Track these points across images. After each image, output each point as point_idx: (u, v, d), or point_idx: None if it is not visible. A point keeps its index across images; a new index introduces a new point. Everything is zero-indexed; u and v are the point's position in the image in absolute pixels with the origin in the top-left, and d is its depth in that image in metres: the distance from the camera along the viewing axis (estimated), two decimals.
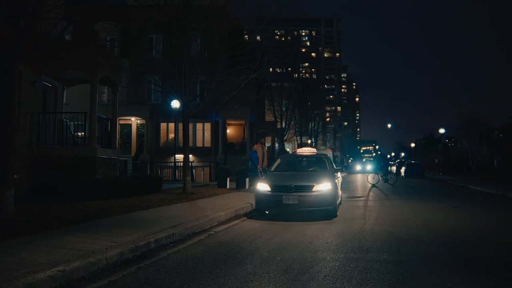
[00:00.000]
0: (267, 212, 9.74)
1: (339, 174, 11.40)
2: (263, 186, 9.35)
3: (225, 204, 10.79)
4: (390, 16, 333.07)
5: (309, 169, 10.78)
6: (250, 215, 9.99)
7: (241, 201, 11.44)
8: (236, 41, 13.92)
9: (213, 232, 7.55)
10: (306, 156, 11.48)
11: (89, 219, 7.72)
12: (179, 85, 13.47)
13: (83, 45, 14.47)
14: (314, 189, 8.96)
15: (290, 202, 8.84)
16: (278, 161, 11.33)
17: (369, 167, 73.23)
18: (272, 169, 10.73)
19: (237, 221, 8.99)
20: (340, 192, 11.10)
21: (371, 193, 17.26)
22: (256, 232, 7.54)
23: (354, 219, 9.23)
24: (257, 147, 17.85)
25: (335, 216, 9.34)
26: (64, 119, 14.96)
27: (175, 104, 23.29)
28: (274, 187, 9.17)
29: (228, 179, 17.56)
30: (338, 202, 9.92)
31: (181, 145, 29.64)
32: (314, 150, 12.05)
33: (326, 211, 9.09)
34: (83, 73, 14.06)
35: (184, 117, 13.84)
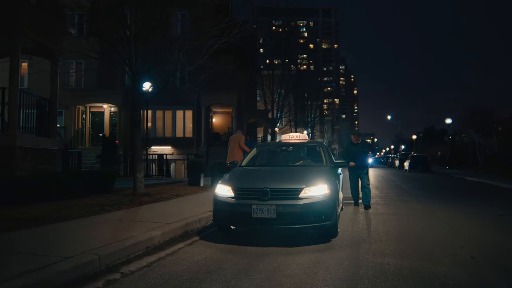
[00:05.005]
0: (233, 228, 6.48)
1: (340, 170, 8.11)
2: (223, 190, 6.05)
3: (177, 213, 7.52)
4: (390, 10, 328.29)
5: (297, 164, 7.46)
6: (207, 231, 6.71)
7: (204, 208, 8.15)
8: None
9: (119, 276, 4.26)
10: (294, 145, 8.17)
11: None
12: (127, 51, 10.10)
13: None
14: (302, 194, 5.67)
15: (264, 216, 5.54)
16: (254, 151, 7.97)
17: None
18: (244, 163, 7.42)
19: (180, 245, 5.70)
20: (341, 195, 7.84)
21: (377, 193, 13.98)
22: (195, 275, 4.26)
23: (364, 241, 5.94)
24: (235, 137, 14.42)
25: (335, 235, 6.08)
26: None
27: (147, 86, 19.98)
28: (239, 192, 5.87)
29: (202, 175, 14.27)
30: (339, 212, 6.65)
31: (159, 135, 26.46)
32: (305, 136, 8.67)
33: (321, 228, 5.81)
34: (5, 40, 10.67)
35: (135, 94, 10.49)
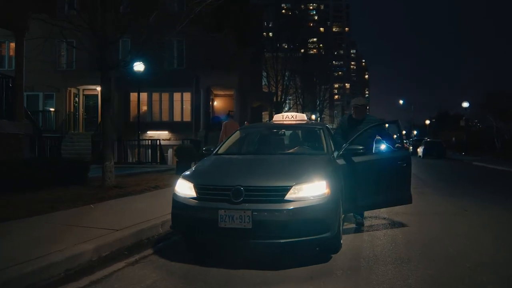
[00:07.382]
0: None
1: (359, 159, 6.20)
2: (184, 187, 4.42)
3: (140, 213, 5.97)
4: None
5: (288, 152, 5.76)
6: (167, 241, 5.13)
7: None
8: None
9: None
10: (288, 127, 6.48)
11: None
12: (92, 15, 8.45)
13: None
14: (290, 195, 4.01)
15: (235, 226, 3.91)
16: (236, 135, 6.28)
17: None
18: (220, 151, 5.77)
19: (120, 264, 4.10)
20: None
21: None
22: None
23: (377, 259, 4.26)
24: (232, 123, 13.07)
25: (336, 250, 4.43)
26: None
27: (139, 67, 18.32)
28: (203, 190, 4.24)
29: (193, 163, 12.69)
30: (342, 217, 4.97)
31: (156, 120, 24.89)
32: (303, 116, 6.93)
33: (316, 242, 4.16)
34: None
35: (102, 67, 8.83)
